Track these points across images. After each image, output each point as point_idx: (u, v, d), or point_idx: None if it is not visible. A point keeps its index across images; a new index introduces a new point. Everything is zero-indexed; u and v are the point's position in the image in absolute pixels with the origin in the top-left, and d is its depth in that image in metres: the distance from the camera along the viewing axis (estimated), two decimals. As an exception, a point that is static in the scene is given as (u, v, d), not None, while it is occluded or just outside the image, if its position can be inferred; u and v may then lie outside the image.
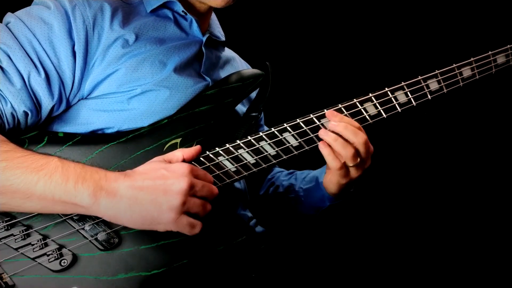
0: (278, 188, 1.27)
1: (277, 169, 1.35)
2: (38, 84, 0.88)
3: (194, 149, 0.88)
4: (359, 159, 0.92)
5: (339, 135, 0.90)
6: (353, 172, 0.94)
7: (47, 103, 0.90)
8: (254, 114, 1.11)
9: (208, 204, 0.82)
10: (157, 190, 0.77)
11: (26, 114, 0.88)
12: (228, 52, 1.25)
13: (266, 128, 1.33)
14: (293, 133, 0.94)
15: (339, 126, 0.91)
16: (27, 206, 0.78)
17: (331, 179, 1.01)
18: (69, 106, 0.96)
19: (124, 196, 0.77)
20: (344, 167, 0.92)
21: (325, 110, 0.95)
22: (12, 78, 0.86)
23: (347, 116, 0.95)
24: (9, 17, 0.92)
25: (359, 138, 0.90)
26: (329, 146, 0.91)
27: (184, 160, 0.86)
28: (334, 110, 0.95)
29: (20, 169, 0.77)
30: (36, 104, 0.89)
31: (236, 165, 0.93)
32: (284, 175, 1.30)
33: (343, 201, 1.09)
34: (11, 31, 0.88)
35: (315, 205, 1.13)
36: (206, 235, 0.86)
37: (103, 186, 0.77)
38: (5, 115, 0.86)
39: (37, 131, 0.91)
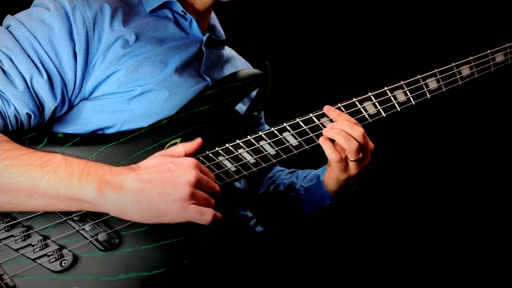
0: (278, 186, 1.27)
1: (278, 167, 1.35)
2: (41, 86, 0.88)
3: (196, 142, 0.87)
4: (361, 154, 0.92)
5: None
6: (352, 168, 0.94)
7: (50, 104, 0.90)
8: (253, 113, 1.11)
9: (212, 199, 0.82)
10: (164, 182, 0.77)
11: (29, 116, 0.89)
12: (228, 51, 1.25)
13: (267, 127, 1.33)
14: (292, 132, 0.94)
15: (336, 123, 0.92)
16: (32, 204, 0.78)
17: (330, 175, 1.01)
18: (71, 107, 0.96)
19: (131, 189, 0.76)
20: (343, 161, 0.93)
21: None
22: (14, 81, 0.86)
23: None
24: (9, 20, 0.91)
25: (356, 131, 0.90)
26: (329, 140, 0.92)
27: (186, 155, 0.85)
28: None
29: (24, 167, 0.76)
30: (39, 106, 0.89)
31: (236, 165, 0.94)
32: (285, 173, 1.30)
33: (344, 200, 1.09)
34: (12, 34, 0.88)
35: (316, 204, 1.14)
36: (206, 235, 0.87)
37: (108, 179, 0.77)
38: (8, 117, 0.86)
39: (36, 132, 0.91)
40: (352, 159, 0.92)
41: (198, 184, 0.79)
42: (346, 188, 1.04)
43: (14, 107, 0.86)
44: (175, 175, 0.78)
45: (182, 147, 0.85)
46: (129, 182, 0.77)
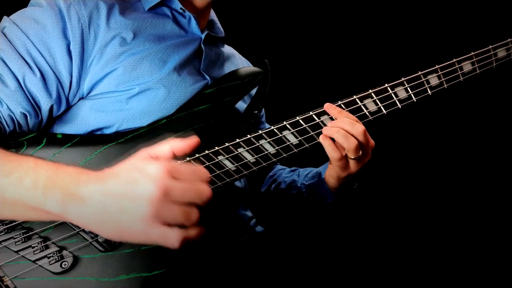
0: (280, 184, 1.27)
1: (279, 166, 1.34)
2: (34, 85, 0.88)
3: (190, 141, 0.69)
4: (361, 152, 0.91)
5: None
6: (353, 166, 0.94)
7: (45, 103, 0.89)
8: (253, 112, 1.11)
9: (194, 211, 0.65)
10: (126, 197, 0.63)
11: (24, 115, 0.88)
12: (228, 49, 1.24)
13: (267, 125, 1.33)
14: (292, 130, 0.94)
15: (336, 121, 0.91)
16: (3, 212, 0.71)
17: (330, 173, 1.01)
18: (69, 106, 0.96)
19: (93, 203, 0.65)
20: (344, 159, 0.92)
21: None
22: (6, 80, 0.86)
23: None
24: (4, 21, 0.92)
25: (356, 128, 0.90)
26: (330, 138, 0.91)
27: (175, 155, 0.69)
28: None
29: None
30: (33, 104, 0.89)
31: (236, 164, 0.93)
32: (286, 172, 1.30)
33: (345, 197, 1.09)
34: (5, 36, 0.88)
35: (318, 201, 1.13)
36: (207, 235, 0.86)
37: (72, 191, 0.66)
38: (3, 117, 0.86)
39: (36, 133, 0.91)
40: (352, 157, 0.91)
41: (168, 197, 0.63)
42: (347, 186, 1.03)
43: (7, 106, 0.86)
44: (137, 188, 0.63)
45: (169, 146, 0.69)
46: (92, 195, 0.65)
